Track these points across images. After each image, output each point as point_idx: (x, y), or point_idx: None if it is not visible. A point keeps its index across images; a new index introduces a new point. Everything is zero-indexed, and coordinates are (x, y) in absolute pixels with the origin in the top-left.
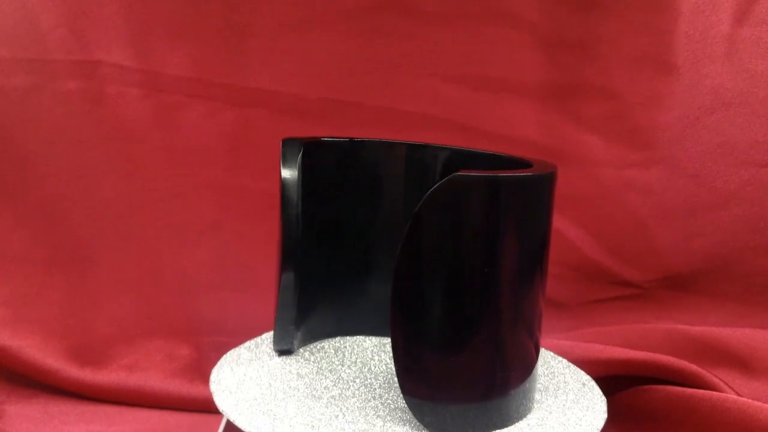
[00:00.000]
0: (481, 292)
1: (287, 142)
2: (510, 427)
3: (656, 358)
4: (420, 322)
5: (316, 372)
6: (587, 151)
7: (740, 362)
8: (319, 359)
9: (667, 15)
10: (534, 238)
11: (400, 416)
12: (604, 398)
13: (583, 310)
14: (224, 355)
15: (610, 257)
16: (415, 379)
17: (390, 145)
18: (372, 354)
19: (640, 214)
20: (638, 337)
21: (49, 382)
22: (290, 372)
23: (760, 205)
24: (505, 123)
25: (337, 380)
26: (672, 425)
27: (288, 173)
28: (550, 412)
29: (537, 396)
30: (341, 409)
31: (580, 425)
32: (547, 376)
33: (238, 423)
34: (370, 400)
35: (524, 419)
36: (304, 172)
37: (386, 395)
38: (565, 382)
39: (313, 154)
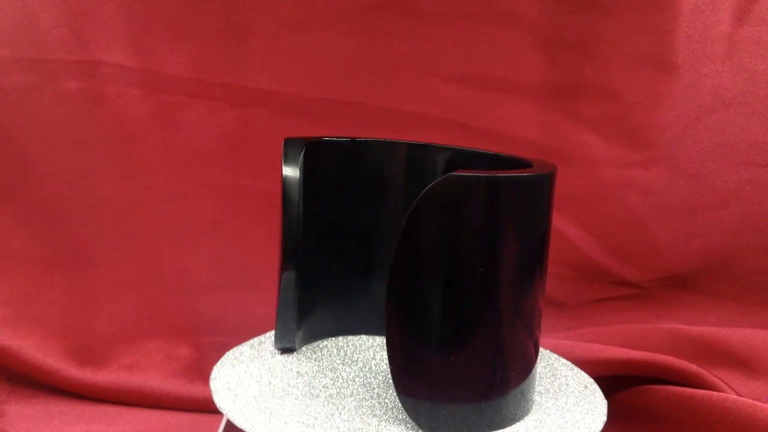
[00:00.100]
0: (478, 291)
1: (289, 142)
2: (507, 428)
3: (656, 358)
4: (415, 321)
5: (317, 370)
6: (587, 151)
7: (740, 362)
8: (320, 358)
9: (667, 15)
10: (533, 237)
11: (396, 416)
12: (605, 401)
13: (583, 309)
14: (227, 353)
15: (610, 257)
16: (410, 378)
17: (391, 145)
18: (373, 353)
19: (640, 213)
20: (638, 337)
21: (49, 382)
22: (290, 370)
23: (760, 204)
24: (505, 123)
25: (336, 379)
26: (672, 425)
27: (289, 171)
28: (549, 414)
29: (537, 398)
30: (338, 407)
31: (578, 428)
32: (549, 377)
33: (234, 418)
34: (367, 400)
35: (522, 421)
36: (306, 171)
37: (384, 394)
38: (566, 385)
39: (315, 153)
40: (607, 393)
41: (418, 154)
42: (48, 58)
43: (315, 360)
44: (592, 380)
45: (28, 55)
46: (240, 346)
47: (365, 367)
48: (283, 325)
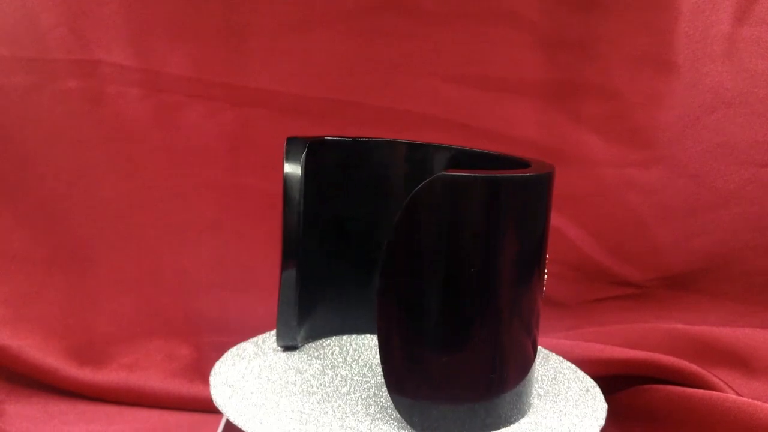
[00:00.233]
0: (471, 291)
1: (292, 141)
2: (500, 429)
3: (656, 358)
4: (407, 320)
5: (317, 368)
6: (587, 151)
7: (740, 362)
8: (322, 356)
9: (667, 14)
10: (530, 237)
11: (390, 415)
12: (605, 406)
13: (583, 309)
14: (230, 349)
15: (610, 257)
16: (402, 378)
17: (393, 145)
18: (375, 353)
19: (640, 213)
20: (638, 337)
21: (49, 382)
22: (291, 367)
23: (760, 204)
24: (505, 123)
25: (334, 377)
26: (672, 425)
27: (290, 169)
28: (545, 417)
29: (536, 400)
30: (332, 405)
31: None
32: (551, 380)
33: (227, 412)
34: (363, 398)
35: (516, 423)
36: (308, 170)
37: (381, 394)
38: (568, 388)
39: (317, 152)
40: (607, 393)
41: (419, 154)
42: (48, 57)
43: (317, 358)
44: (594, 384)
45: (28, 55)
46: (244, 343)
47: (365, 366)
48: (285, 322)
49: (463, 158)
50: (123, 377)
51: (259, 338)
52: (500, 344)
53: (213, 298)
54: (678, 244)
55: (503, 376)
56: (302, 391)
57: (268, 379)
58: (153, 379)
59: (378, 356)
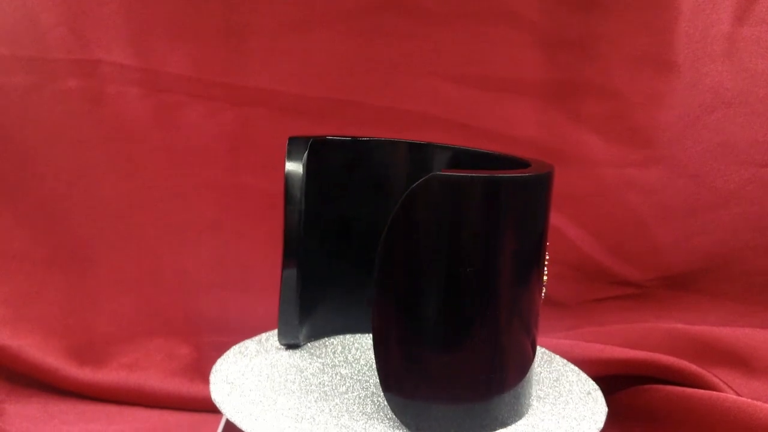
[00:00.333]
0: (468, 291)
1: (293, 140)
2: (496, 431)
3: (656, 358)
4: (402, 320)
5: (317, 367)
6: (587, 151)
7: (740, 362)
8: (323, 355)
9: (667, 14)
10: (529, 237)
11: (386, 414)
12: (605, 409)
13: (583, 309)
14: (233, 346)
15: (610, 256)
16: (397, 378)
17: (394, 144)
18: None
19: (640, 213)
20: (638, 337)
21: (49, 382)
22: (291, 366)
23: (760, 204)
24: (505, 122)
25: (334, 376)
26: (672, 425)
27: (292, 167)
28: (542, 420)
29: (535, 402)
30: (329, 404)
31: None
32: (552, 382)
33: (225, 410)
34: (361, 397)
35: (513, 424)
36: (310, 169)
37: (379, 393)
38: (568, 391)
39: (319, 151)
40: (607, 393)
41: (420, 154)
42: (48, 57)
43: (318, 357)
44: (596, 387)
45: (28, 55)
46: (247, 341)
47: (366, 366)
48: (286, 321)
49: (463, 158)
50: (123, 377)
51: (262, 336)
52: (499, 345)
53: (213, 298)
54: (678, 244)
55: (502, 376)
56: (301, 389)
57: (268, 377)
58: (153, 379)
59: None
